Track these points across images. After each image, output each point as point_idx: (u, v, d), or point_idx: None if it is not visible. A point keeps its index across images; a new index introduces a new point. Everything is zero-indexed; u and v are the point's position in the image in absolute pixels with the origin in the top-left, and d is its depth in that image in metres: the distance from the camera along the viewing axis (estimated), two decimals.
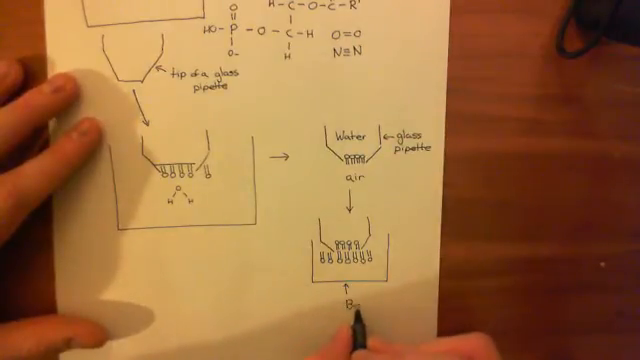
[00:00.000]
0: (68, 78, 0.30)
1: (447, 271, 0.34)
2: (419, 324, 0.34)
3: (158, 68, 0.31)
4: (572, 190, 0.34)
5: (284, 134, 0.32)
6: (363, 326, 0.32)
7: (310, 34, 0.32)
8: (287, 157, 0.33)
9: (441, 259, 0.34)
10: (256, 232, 0.33)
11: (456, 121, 0.33)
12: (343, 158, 0.33)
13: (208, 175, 0.32)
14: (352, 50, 0.32)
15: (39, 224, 0.32)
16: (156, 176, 0.32)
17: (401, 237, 0.33)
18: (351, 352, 0.31)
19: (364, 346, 0.31)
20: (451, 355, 0.27)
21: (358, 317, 0.33)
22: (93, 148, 0.31)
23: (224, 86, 0.32)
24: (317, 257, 0.33)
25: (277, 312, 0.34)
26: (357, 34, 0.32)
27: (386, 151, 0.33)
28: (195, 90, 0.32)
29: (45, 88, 0.30)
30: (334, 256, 0.34)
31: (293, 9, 0.31)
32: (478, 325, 0.34)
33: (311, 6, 0.31)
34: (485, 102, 0.33)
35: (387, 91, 0.32)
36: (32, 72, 0.31)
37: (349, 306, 0.34)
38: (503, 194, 0.34)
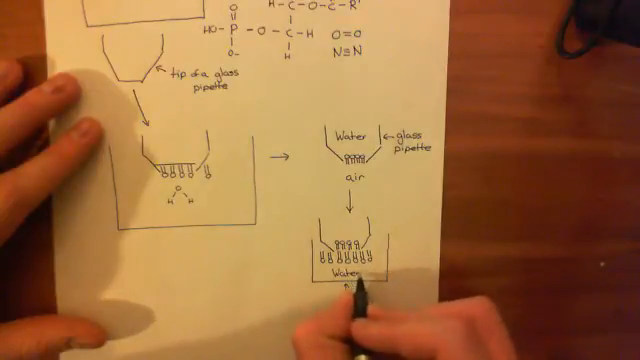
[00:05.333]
0: (68, 78, 0.30)
1: (447, 271, 0.34)
2: None
3: (158, 68, 0.31)
4: (572, 190, 0.34)
5: (284, 134, 0.32)
6: (365, 294, 0.31)
7: (310, 34, 0.32)
8: (287, 157, 0.33)
9: (441, 259, 0.34)
10: (256, 232, 0.33)
11: (456, 121, 0.33)
12: (343, 158, 0.33)
13: (208, 175, 0.32)
14: (352, 50, 0.32)
15: (39, 224, 0.32)
16: (156, 176, 0.32)
17: (401, 237, 0.33)
18: (352, 319, 0.30)
19: (365, 315, 0.30)
20: (452, 318, 0.26)
21: (360, 285, 0.32)
22: (93, 148, 0.31)
23: (224, 86, 0.32)
24: (317, 257, 0.33)
25: (277, 312, 0.34)
26: (357, 34, 0.32)
27: (386, 151, 0.33)
28: (195, 90, 0.32)
29: (45, 88, 0.30)
30: (334, 256, 0.34)
31: (293, 9, 0.31)
32: None
33: (311, 6, 0.31)
34: (485, 102, 0.33)
35: (387, 91, 0.32)
36: (32, 72, 0.31)
37: None
38: (503, 194, 0.34)
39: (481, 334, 0.27)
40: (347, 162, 0.33)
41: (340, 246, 0.33)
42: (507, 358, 0.26)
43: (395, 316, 0.29)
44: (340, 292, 0.31)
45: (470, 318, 0.27)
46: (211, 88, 0.32)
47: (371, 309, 0.30)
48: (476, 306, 0.28)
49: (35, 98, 0.29)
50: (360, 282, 0.32)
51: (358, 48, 0.32)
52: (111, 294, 0.33)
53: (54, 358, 0.33)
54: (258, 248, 0.33)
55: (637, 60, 0.33)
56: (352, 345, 0.29)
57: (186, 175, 0.32)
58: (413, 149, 0.33)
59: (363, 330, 0.28)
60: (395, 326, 0.27)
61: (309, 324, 0.29)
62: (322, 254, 0.33)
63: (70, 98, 0.31)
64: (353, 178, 0.33)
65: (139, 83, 0.31)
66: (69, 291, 0.33)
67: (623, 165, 0.34)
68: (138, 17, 0.31)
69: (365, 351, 0.28)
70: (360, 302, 0.31)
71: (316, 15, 0.31)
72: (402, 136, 0.33)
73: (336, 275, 0.34)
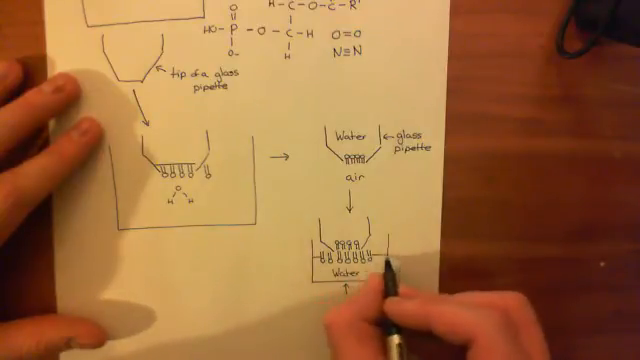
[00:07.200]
0: (68, 78, 0.30)
1: (447, 271, 0.34)
2: None
3: (158, 68, 0.31)
4: (572, 190, 0.34)
5: (284, 134, 0.32)
6: (394, 274, 0.31)
7: (310, 34, 0.32)
8: (287, 157, 0.33)
9: (441, 259, 0.34)
10: (256, 232, 0.33)
11: (456, 121, 0.33)
12: (343, 158, 0.33)
13: (208, 175, 0.32)
14: (352, 50, 0.32)
15: (39, 224, 0.32)
16: (156, 176, 0.32)
17: (401, 237, 0.33)
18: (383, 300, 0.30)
19: (396, 295, 0.30)
20: (491, 308, 0.26)
21: (388, 266, 0.32)
22: (93, 148, 0.31)
23: (224, 86, 0.32)
24: (317, 257, 0.33)
25: (276, 312, 0.34)
26: (357, 34, 0.32)
27: (386, 151, 0.33)
28: (195, 90, 0.32)
29: (45, 88, 0.30)
30: (334, 256, 0.34)
31: (293, 9, 0.31)
32: None
33: (311, 6, 0.31)
34: (485, 102, 0.33)
35: (387, 91, 0.32)
36: (32, 72, 0.31)
37: None
38: (503, 194, 0.34)
39: (516, 327, 0.26)
40: (347, 162, 0.33)
41: (340, 246, 0.33)
42: (542, 357, 0.26)
43: (428, 296, 0.29)
44: (368, 275, 0.31)
45: (505, 309, 0.26)
46: (211, 88, 0.32)
47: (403, 288, 0.30)
48: (511, 299, 0.27)
49: (35, 98, 0.29)
50: (388, 263, 0.32)
51: (358, 48, 0.32)
52: (111, 294, 0.33)
53: (54, 358, 0.33)
54: (258, 248, 0.33)
55: (637, 60, 0.33)
56: (384, 326, 0.29)
57: (186, 175, 0.32)
58: (413, 149, 0.33)
59: (397, 306, 0.28)
60: (431, 304, 0.27)
61: (341, 308, 0.29)
62: (322, 254, 0.33)
63: (70, 98, 0.31)
64: (353, 178, 0.33)
65: (139, 83, 0.31)
66: (69, 291, 0.33)
67: (623, 165, 0.34)
68: (138, 17, 0.31)
69: (398, 330, 0.28)
70: (390, 282, 0.30)
71: (316, 15, 0.31)
72: (402, 136, 0.33)
73: (336, 275, 0.34)
